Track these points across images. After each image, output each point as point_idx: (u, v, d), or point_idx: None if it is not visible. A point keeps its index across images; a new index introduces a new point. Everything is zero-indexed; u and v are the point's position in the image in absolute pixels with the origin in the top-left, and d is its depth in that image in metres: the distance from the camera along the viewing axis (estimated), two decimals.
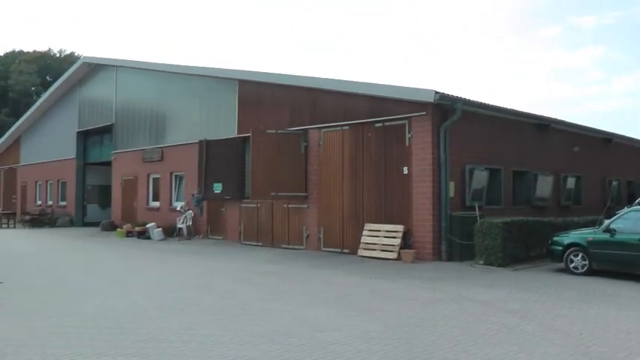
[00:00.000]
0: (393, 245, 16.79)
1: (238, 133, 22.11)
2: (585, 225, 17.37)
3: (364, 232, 17.72)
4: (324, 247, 19.08)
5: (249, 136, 20.11)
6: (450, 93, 16.13)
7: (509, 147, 19.30)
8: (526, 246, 15.88)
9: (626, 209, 17.54)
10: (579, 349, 7.53)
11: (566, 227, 16.77)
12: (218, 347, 7.35)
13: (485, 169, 17.87)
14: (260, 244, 21.11)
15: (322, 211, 19.20)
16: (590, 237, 14.18)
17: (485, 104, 17.55)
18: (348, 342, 7.69)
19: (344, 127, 18.58)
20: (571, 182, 22.14)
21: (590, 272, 14.04)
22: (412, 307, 10.13)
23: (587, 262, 14.10)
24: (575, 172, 22.59)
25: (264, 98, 21.36)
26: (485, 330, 8.50)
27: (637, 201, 17.34)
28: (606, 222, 14.42)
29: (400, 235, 16.78)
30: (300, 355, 7.05)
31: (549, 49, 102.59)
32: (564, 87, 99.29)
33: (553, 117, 21.05)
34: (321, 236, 19.17)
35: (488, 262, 15.14)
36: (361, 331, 8.32)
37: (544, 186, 20.40)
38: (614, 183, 24.87)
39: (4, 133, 43.82)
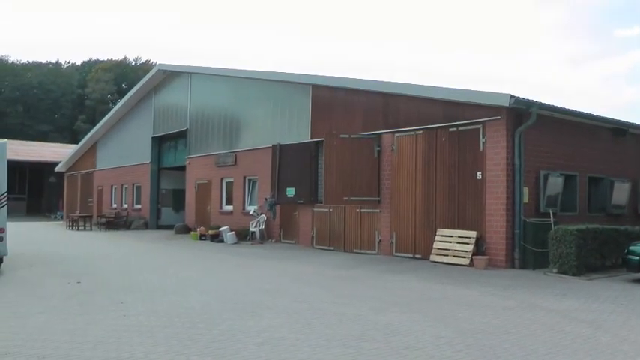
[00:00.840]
0: (466, 251, 16.70)
1: (311, 138, 22.42)
2: None
3: (436, 238, 17.69)
4: (396, 251, 19.13)
5: (322, 141, 20.38)
6: (525, 97, 15.92)
7: (584, 152, 18.88)
8: (601, 255, 15.50)
9: None
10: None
11: None
12: (291, 350, 7.55)
13: (560, 175, 17.55)
14: (332, 248, 21.32)
15: (395, 216, 19.26)
16: None
17: (561, 108, 17.23)
18: (419, 347, 7.78)
19: (417, 132, 18.59)
20: None
21: None
22: (485, 313, 10.11)
23: None
24: None
25: (337, 103, 21.61)
26: (559, 339, 8.42)
27: None
28: None
29: (473, 241, 16.68)
30: (373, 359, 7.18)
31: (626, 51, 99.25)
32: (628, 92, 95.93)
33: (631, 122, 20.41)
34: (394, 241, 19.23)
35: (562, 271, 14.87)
36: (433, 336, 8.39)
37: (620, 193, 19.85)
38: None
39: (82, 139, 45.53)
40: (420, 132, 18.52)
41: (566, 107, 17.44)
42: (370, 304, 10.89)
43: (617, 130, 19.98)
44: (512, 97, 15.44)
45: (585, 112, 18.17)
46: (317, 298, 11.43)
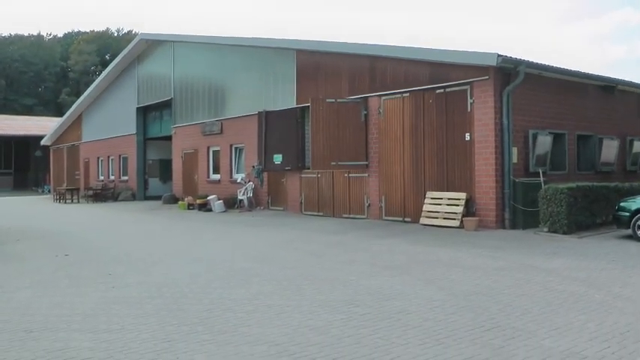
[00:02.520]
0: (456, 213, 16.62)
1: (297, 104, 22.12)
2: None
3: (426, 201, 17.59)
4: (385, 216, 19.04)
5: (308, 106, 20.08)
6: (513, 56, 15.71)
7: (572, 110, 18.75)
8: (591, 213, 15.47)
9: None
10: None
11: (634, 193, 16.25)
12: (281, 317, 7.43)
13: (549, 133, 17.43)
14: (321, 214, 21.21)
15: (383, 180, 19.12)
16: None
17: (549, 66, 17.05)
18: (412, 310, 7.68)
19: (404, 94, 18.36)
20: (637, 146, 21.35)
21: None
22: (477, 275, 10.03)
23: None
24: None
25: (322, 67, 21.29)
26: (552, 298, 8.35)
27: None
28: None
29: (462, 202, 16.59)
30: (365, 324, 7.07)
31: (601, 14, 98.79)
32: (619, 49, 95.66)
33: (618, 78, 20.27)
34: (383, 205, 19.12)
35: (553, 230, 14.83)
36: (426, 299, 8.30)
37: (609, 150, 19.79)
38: None
39: (66, 111, 44.96)
40: (407, 94, 18.30)
41: (554, 65, 17.26)
42: (361, 268, 10.80)
43: (606, 87, 19.85)
44: (499, 56, 15.22)
45: (573, 69, 18.00)
46: (307, 264, 11.32)
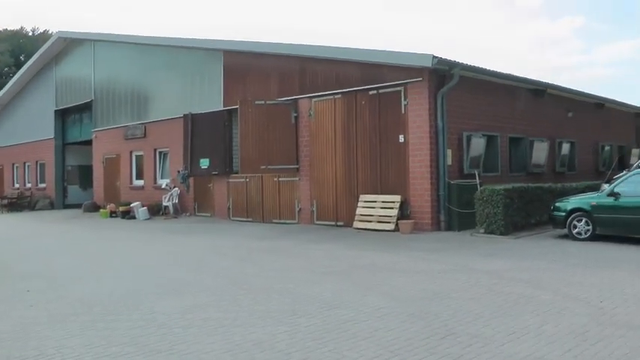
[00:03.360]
0: (390, 216, 16.26)
1: (225, 106, 21.33)
2: (583, 191, 17.04)
3: (359, 204, 17.17)
4: (317, 220, 18.51)
5: (236, 109, 19.36)
6: (447, 58, 15.50)
7: (504, 113, 18.76)
8: (527, 213, 15.45)
9: (625, 172, 17.19)
10: (604, 319, 7.08)
11: (565, 193, 16.43)
12: (220, 332, 6.74)
13: (483, 135, 17.33)
14: (250, 219, 20.50)
15: (314, 184, 18.61)
16: (594, 201, 13.77)
17: (483, 69, 16.98)
18: (361, 320, 7.13)
19: (336, 96, 17.91)
20: (566, 148, 21.70)
21: (594, 237, 13.68)
22: (420, 279, 9.59)
23: (590, 228, 13.73)
24: (569, 137, 22.12)
25: (250, 68, 20.60)
26: (502, 301, 8.00)
27: (636, 164, 16.89)
28: (609, 186, 14.04)
29: (397, 205, 16.24)
30: (312, 336, 6.48)
31: (532, 20, 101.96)
32: (547, 57, 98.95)
33: (549, 82, 20.48)
34: (314, 209, 18.59)
35: (489, 231, 14.67)
36: (373, 307, 7.76)
37: (540, 152, 19.94)
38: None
39: None
40: (339, 96, 17.85)
41: (488, 68, 17.17)
42: (298, 275, 10.18)
43: (536, 90, 19.99)
44: (434, 57, 14.97)
45: (505, 72, 17.99)
46: (241, 273, 10.62)
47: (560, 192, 16.47)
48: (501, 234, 14.44)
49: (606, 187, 16.68)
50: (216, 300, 8.36)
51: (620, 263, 10.83)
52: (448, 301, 8.03)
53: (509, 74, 18.22)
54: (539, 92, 20.01)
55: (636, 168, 16.22)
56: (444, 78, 15.96)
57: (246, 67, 20.72)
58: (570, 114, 22.15)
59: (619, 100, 25.98)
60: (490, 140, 17.79)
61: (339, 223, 17.84)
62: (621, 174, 17.53)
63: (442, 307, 7.69)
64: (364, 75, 17.16)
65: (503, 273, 10.04)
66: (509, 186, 14.99)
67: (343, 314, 7.40)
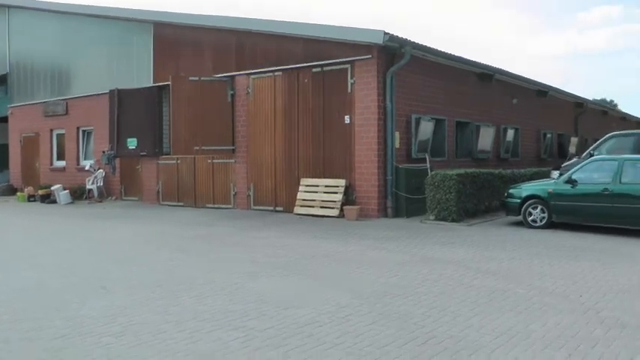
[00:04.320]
0: (334, 201, 15.31)
1: (155, 82, 19.78)
2: (532, 177, 16.60)
3: (300, 188, 16.13)
4: (254, 205, 17.39)
5: (167, 85, 17.90)
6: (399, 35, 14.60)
7: (452, 97, 18.04)
8: (478, 199, 14.78)
9: (575, 160, 16.80)
10: (591, 315, 6.43)
11: (515, 180, 15.98)
12: (161, 340, 5.59)
13: (431, 119, 16.55)
14: (181, 204, 19.17)
15: (252, 166, 17.45)
16: (551, 188, 13.17)
17: (435, 49, 16.18)
18: (323, 322, 6.12)
19: (276, 73, 16.76)
20: (510, 134, 21.22)
21: (550, 225, 13.13)
22: (380, 272, 8.65)
23: (546, 215, 13.16)
24: (514, 124, 21.67)
25: (183, 42, 19.12)
26: (476, 296, 7.18)
27: (587, 152, 16.51)
28: (566, 173, 13.55)
29: (342, 190, 15.30)
30: (271, 344, 5.43)
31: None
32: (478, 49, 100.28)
33: (497, 67, 19.85)
34: (251, 193, 17.45)
35: (440, 218, 13.95)
36: (334, 306, 6.76)
37: (486, 138, 19.36)
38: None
39: None
40: (279, 73, 16.71)
41: (439, 49, 16.38)
42: (242, 267, 9.05)
43: (484, 74, 19.33)
44: (386, 33, 14.05)
45: (457, 54, 17.26)
46: (177, 265, 9.40)
47: (511, 178, 15.96)
48: (453, 221, 13.73)
49: (556, 174, 16.30)
50: (153, 298, 7.15)
51: (583, 253, 10.26)
52: (417, 298, 7.13)
53: (460, 57, 17.48)
54: (486, 77, 19.37)
55: (575, 157, 15.85)
56: (394, 57, 15.07)
57: (179, 41, 19.24)
58: (515, 100, 21.69)
59: (561, 88, 25.72)
60: (438, 124, 17.04)
61: (278, 209, 16.78)
62: (570, 161, 17.18)
63: (412, 305, 6.78)
64: (308, 51, 16.07)
65: (467, 263, 9.26)
66: (461, 171, 14.28)
67: (302, 315, 6.36)
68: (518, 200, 13.56)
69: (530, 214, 13.28)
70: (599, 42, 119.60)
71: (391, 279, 8.15)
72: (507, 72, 20.47)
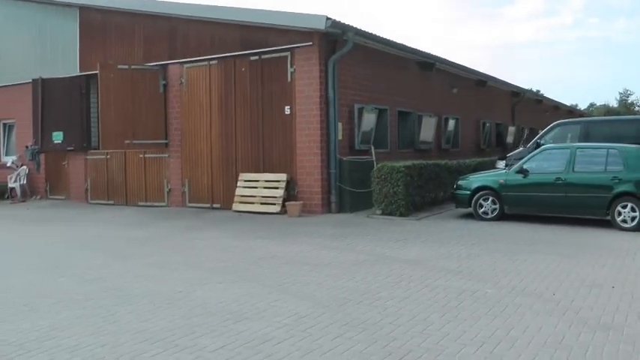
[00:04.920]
0: (276, 197, 14.55)
1: (81, 71, 18.45)
2: (476, 168, 16.29)
3: (239, 184, 15.30)
4: (189, 202, 16.44)
5: (95, 74, 16.64)
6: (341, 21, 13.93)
7: (393, 86, 17.50)
8: (425, 192, 14.31)
9: (521, 149, 16.57)
10: (571, 317, 5.98)
11: (461, 171, 15.61)
12: None
13: (374, 109, 15.97)
14: (112, 202, 18.00)
15: (187, 161, 16.49)
16: (502, 179, 12.79)
17: (378, 36, 15.63)
18: (282, 337, 5.39)
19: (211, 62, 15.83)
20: (451, 124, 20.89)
21: (501, 217, 12.77)
22: (335, 275, 7.97)
23: (497, 207, 12.82)
24: (454, 114, 21.34)
25: (111, 29, 17.84)
26: (445, 299, 6.63)
27: (534, 140, 16.26)
28: (510, 163, 13.33)
29: (283, 185, 14.56)
30: None
31: None
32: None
33: (438, 55, 19.43)
34: (186, 190, 16.50)
35: (388, 212, 13.39)
36: (291, 316, 6.05)
37: (428, 128, 18.93)
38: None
39: None
40: (215, 62, 15.80)
41: (382, 36, 15.81)
42: (186, 274, 8.19)
43: (425, 63, 18.85)
44: (328, 19, 13.35)
45: (399, 42, 16.74)
46: (112, 273, 8.39)
47: (457, 169, 15.58)
48: (401, 215, 13.19)
49: (502, 164, 16.01)
50: (86, 315, 6.22)
51: (542, 246, 9.92)
52: (381, 304, 6.49)
53: (403, 44, 16.98)
54: (427, 66, 18.91)
55: (534, 144, 15.59)
56: (336, 44, 14.41)
57: (107, 27, 17.96)
58: (455, 90, 21.36)
59: (499, 78, 25.61)
60: (380, 114, 16.47)
61: (215, 206, 15.90)
62: (516, 151, 16.94)
63: (378, 313, 6.14)
64: (245, 38, 15.23)
65: (426, 262, 8.70)
66: (408, 163, 13.75)
67: (257, 329, 5.61)
68: (468, 192, 13.15)
69: (481, 205, 12.90)
70: (522, 34, 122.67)
71: (349, 283, 7.48)
72: (448, 61, 20.13)
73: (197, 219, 14.17)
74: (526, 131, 28.76)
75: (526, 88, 31.70)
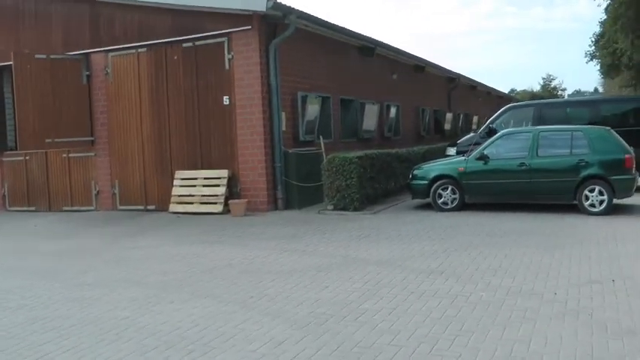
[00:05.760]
0: (217, 195, 13.39)
1: None
2: (424, 156, 15.69)
3: (175, 182, 14.03)
4: (121, 204, 15.02)
5: (9, 65, 14.91)
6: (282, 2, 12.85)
7: (335, 72, 16.52)
8: (378, 183, 13.44)
9: (472, 134, 15.96)
10: (587, 320, 5.29)
11: (412, 160, 14.86)
12: None
13: (318, 97, 14.98)
14: (33, 209, 16.29)
15: (116, 160, 15.06)
16: (462, 167, 12.03)
17: (322, 20, 14.68)
18: None
19: (140, 50, 14.44)
20: (393, 112, 20.07)
21: (462, 207, 12.08)
22: (302, 283, 6.97)
23: (457, 196, 12.10)
24: (395, 101, 20.51)
25: (24, 13, 15.96)
26: (440, 309, 5.79)
27: (485, 125, 15.63)
28: (462, 149, 12.70)
29: (224, 182, 13.41)
30: None
31: None
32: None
33: (380, 40, 18.53)
34: (117, 191, 15.07)
35: (341, 207, 12.45)
36: (267, 342, 5.01)
37: (370, 116, 18.03)
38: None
39: None
40: (144, 50, 14.42)
41: (325, 19, 14.82)
42: (129, 293, 6.94)
43: (366, 48, 17.90)
44: (269, 0, 12.23)
45: (340, 25, 15.76)
46: (37, 297, 6.99)
47: (407, 158, 14.84)
48: (355, 210, 12.29)
49: (452, 150, 15.33)
50: (7, 354, 4.98)
51: (517, 237, 9.24)
52: (369, 318, 5.56)
53: (346, 28, 16.07)
54: (368, 51, 17.98)
55: (486, 129, 14.98)
56: (276, 28, 13.33)
57: (19, 10, 16.10)
58: (395, 76, 20.55)
59: (437, 63, 24.98)
60: (323, 102, 15.48)
61: (149, 208, 14.57)
62: (467, 137, 16.33)
63: (369, 331, 5.20)
64: (177, 24, 13.93)
65: (400, 263, 7.81)
66: (360, 153, 12.86)
67: None
68: (426, 182, 12.35)
69: (441, 195, 12.13)
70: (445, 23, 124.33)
71: (323, 293, 6.48)
72: (388, 45, 19.28)
73: (131, 224, 12.81)
74: (461, 118, 28.47)
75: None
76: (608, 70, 53.87)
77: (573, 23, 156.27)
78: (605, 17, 52.76)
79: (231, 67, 13.36)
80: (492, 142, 12.07)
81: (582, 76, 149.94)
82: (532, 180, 11.29)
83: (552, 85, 75.80)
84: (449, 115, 26.31)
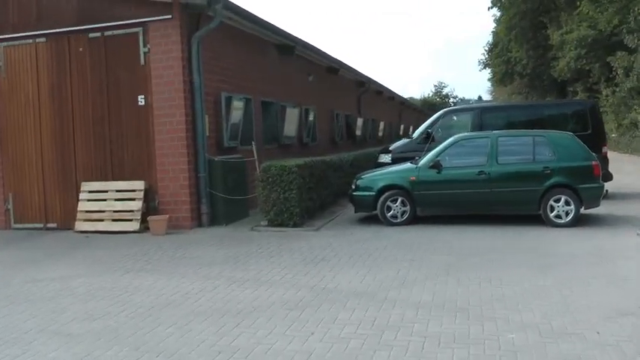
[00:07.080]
0: (133, 211, 11.62)
1: None
2: (352, 164, 14.59)
3: (82, 196, 12.11)
4: (16, 222, 12.88)
5: None
6: None
7: (256, 72, 14.98)
8: (316, 195, 12.13)
9: (406, 140, 15.03)
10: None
11: (343, 168, 13.64)
12: None
13: (242, 98, 13.49)
14: None
15: (10, 169, 12.90)
16: (413, 176, 10.90)
17: (250, 13, 13.22)
18: None
19: (38, 40, 12.39)
20: (311, 116, 18.74)
21: (412, 220, 11.02)
22: (275, 328, 5.58)
23: (407, 209, 10.98)
24: (312, 104, 19.15)
25: None
26: (473, 358, 4.46)
27: (422, 130, 14.59)
28: (397, 156, 11.82)
29: (141, 195, 11.67)
30: None
31: None
32: None
33: (299, 38, 17.13)
34: (10, 207, 12.92)
35: (278, 223, 11.02)
36: None
37: (291, 120, 16.63)
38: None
39: None
40: (43, 39, 12.40)
41: (253, 13, 13.37)
42: (49, 351, 5.22)
43: (285, 46, 16.42)
44: None
45: (267, 20, 14.35)
46: None
47: (340, 166, 13.62)
48: (295, 226, 10.93)
49: (387, 157, 14.31)
50: None
51: (498, 256, 8.26)
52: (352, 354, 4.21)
53: (272, 24, 14.68)
54: (287, 49, 16.52)
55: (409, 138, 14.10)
56: (199, 19, 11.76)
57: None
58: (311, 77, 19.20)
59: (350, 65, 23.80)
60: (246, 105, 13.94)
61: (50, 226, 12.55)
62: (401, 142, 15.36)
63: None
64: (82, 10, 12.02)
65: (385, 294, 6.60)
66: (300, 161, 11.45)
67: None
68: (372, 193, 11.15)
69: (390, 208, 10.95)
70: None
71: (312, 344, 5.14)
72: (307, 44, 17.85)
73: (32, 246, 10.74)
74: (370, 123, 27.59)
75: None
76: (502, 78, 55.51)
77: (464, 33, 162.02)
78: (497, 27, 54.66)
79: (147, 62, 11.66)
80: (445, 148, 11.04)
81: (469, 85, 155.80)
82: (492, 190, 10.40)
83: (444, 92, 77.46)
84: (360, 121, 25.27)
